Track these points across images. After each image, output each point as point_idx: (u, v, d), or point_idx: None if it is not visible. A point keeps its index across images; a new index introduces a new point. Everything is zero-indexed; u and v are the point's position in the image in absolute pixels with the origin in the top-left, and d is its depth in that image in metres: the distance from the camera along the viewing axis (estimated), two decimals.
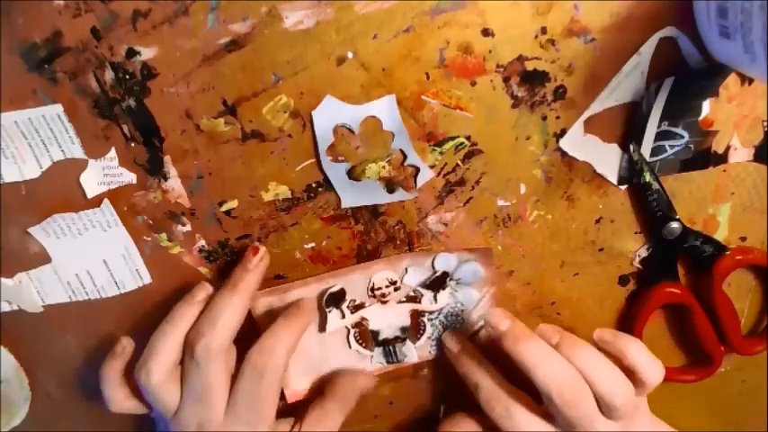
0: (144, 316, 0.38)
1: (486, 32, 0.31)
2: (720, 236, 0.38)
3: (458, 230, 0.36)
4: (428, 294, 0.38)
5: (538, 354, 0.32)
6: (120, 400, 0.35)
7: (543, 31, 0.31)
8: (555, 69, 0.32)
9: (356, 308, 0.38)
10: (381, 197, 0.35)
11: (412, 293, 0.38)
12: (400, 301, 0.39)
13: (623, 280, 0.39)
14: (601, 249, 0.38)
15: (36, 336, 0.39)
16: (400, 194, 0.35)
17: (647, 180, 0.35)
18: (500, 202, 0.36)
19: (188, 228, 0.36)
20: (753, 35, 0.26)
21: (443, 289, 0.38)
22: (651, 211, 0.36)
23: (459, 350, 0.38)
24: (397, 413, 0.43)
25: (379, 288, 0.38)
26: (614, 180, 0.35)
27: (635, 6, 0.31)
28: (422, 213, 0.36)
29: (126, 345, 0.36)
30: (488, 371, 0.36)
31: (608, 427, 0.33)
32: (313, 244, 0.36)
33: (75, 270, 0.37)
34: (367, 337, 0.39)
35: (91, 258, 0.36)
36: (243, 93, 0.32)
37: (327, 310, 0.38)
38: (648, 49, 0.32)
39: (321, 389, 0.38)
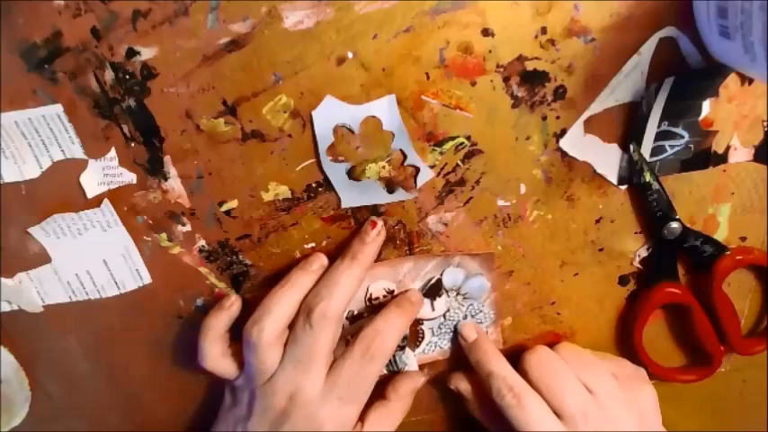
0: (144, 316, 0.38)
1: (486, 32, 0.31)
2: (720, 236, 0.38)
3: (458, 230, 0.36)
4: (426, 302, 0.38)
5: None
6: (214, 355, 0.35)
7: (543, 31, 0.31)
8: (555, 69, 0.32)
9: (353, 318, 0.38)
10: (381, 197, 0.35)
11: None
12: None
13: (623, 280, 0.39)
14: (601, 249, 0.38)
15: (36, 336, 0.39)
16: (400, 194, 0.35)
17: (647, 180, 0.35)
18: (500, 202, 0.36)
19: (188, 228, 0.36)
20: (753, 35, 0.26)
21: (439, 296, 0.38)
22: (651, 211, 0.36)
23: (475, 339, 0.38)
24: None
25: (377, 298, 0.38)
26: (614, 180, 0.35)
27: (635, 6, 0.31)
28: (422, 213, 0.36)
29: (234, 301, 0.36)
30: (502, 361, 0.37)
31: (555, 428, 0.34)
32: (313, 244, 0.36)
33: (75, 270, 0.37)
34: None
35: (91, 258, 0.36)
36: (243, 93, 0.32)
37: None
38: (648, 49, 0.32)
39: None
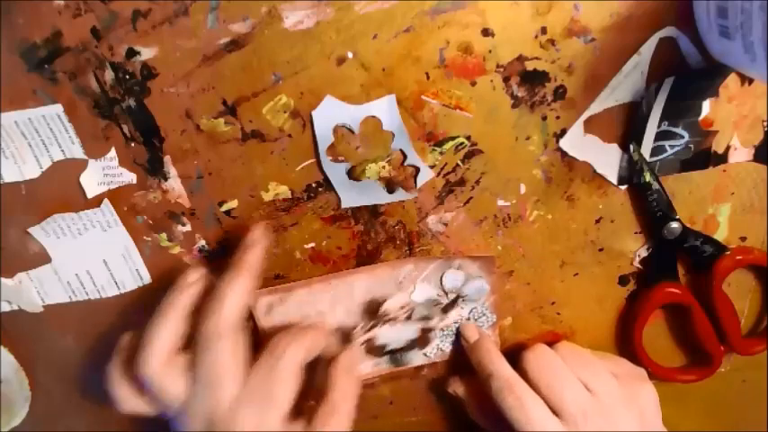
0: (144, 316, 0.38)
1: (486, 32, 0.31)
2: (720, 236, 0.37)
3: (458, 230, 0.36)
4: (439, 314, 0.39)
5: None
6: (127, 398, 0.34)
7: (543, 31, 0.31)
8: (555, 69, 0.32)
9: (367, 330, 0.39)
10: (381, 197, 0.35)
11: (425, 313, 0.39)
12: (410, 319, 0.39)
13: (623, 280, 0.39)
14: (601, 249, 0.38)
15: (36, 336, 0.39)
16: (400, 194, 0.35)
17: (647, 180, 0.35)
18: (500, 202, 0.36)
19: (188, 228, 0.36)
20: (753, 35, 0.26)
21: (453, 309, 0.38)
22: (651, 211, 0.36)
23: (476, 341, 0.38)
24: (397, 413, 0.43)
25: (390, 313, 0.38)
26: (614, 180, 0.35)
27: (635, 6, 0.31)
28: (422, 213, 0.36)
29: (129, 339, 0.35)
30: (503, 362, 0.37)
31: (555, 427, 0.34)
32: (313, 244, 0.36)
33: (75, 270, 0.37)
34: (374, 349, 0.40)
35: (91, 258, 0.36)
36: (243, 93, 0.32)
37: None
38: (648, 49, 0.32)
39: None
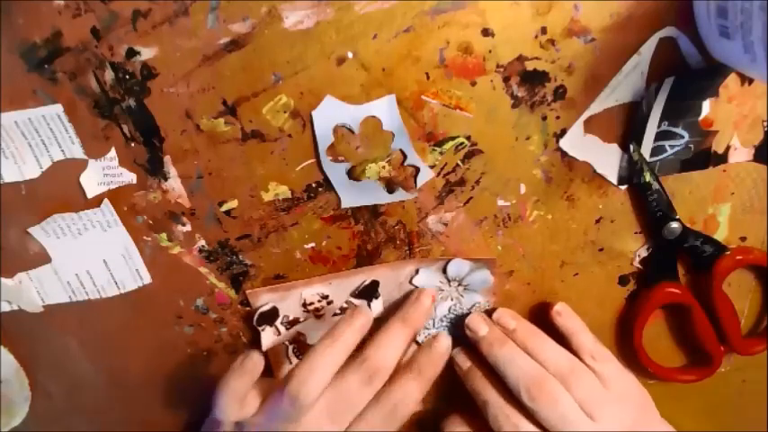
0: (144, 316, 0.38)
1: (486, 32, 0.31)
2: (720, 236, 0.38)
3: (458, 230, 0.36)
4: (361, 304, 0.38)
5: (509, 354, 0.35)
6: (235, 412, 0.34)
7: (543, 31, 0.31)
8: (555, 69, 0.32)
9: (290, 323, 0.38)
10: (381, 197, 0.35)
11: (345, 305, 0.38)
12: (335, 314, 0.39)
13: (623, 280, 0.39)
14: (601, 249, 0.38)
15: (36, 336, 0.39)
16: (400, 194, 0.35)
17: (647, 180, 0.35)
18: (500, 202, 0.36)
19: (188, 228, 0.36)
20: (753, 35, 0.26)
21: (376, 298, 0.38)
22: (651, 211, 0.36)
23: (469, 367, 0.38)
24: None
25: (311, 303, 0.38)
26: (614, 180, 0.35)
27: (635, 6, 0.31)
28: (422, 213, 0.36)
29: (257, 362, 0.34)
30: (497, 388, 0.36)
31: (591, 428, 0.34)
32: (313, 244, 0.36)
33: (75, 270, 0.37)
34: (306, 350, 0.39)
35: (91, 258, 0.36)
36: (243, 93, 0.32)
37: (260, 328, 0.38)
38: (648, 49, 0.32)
39: None
